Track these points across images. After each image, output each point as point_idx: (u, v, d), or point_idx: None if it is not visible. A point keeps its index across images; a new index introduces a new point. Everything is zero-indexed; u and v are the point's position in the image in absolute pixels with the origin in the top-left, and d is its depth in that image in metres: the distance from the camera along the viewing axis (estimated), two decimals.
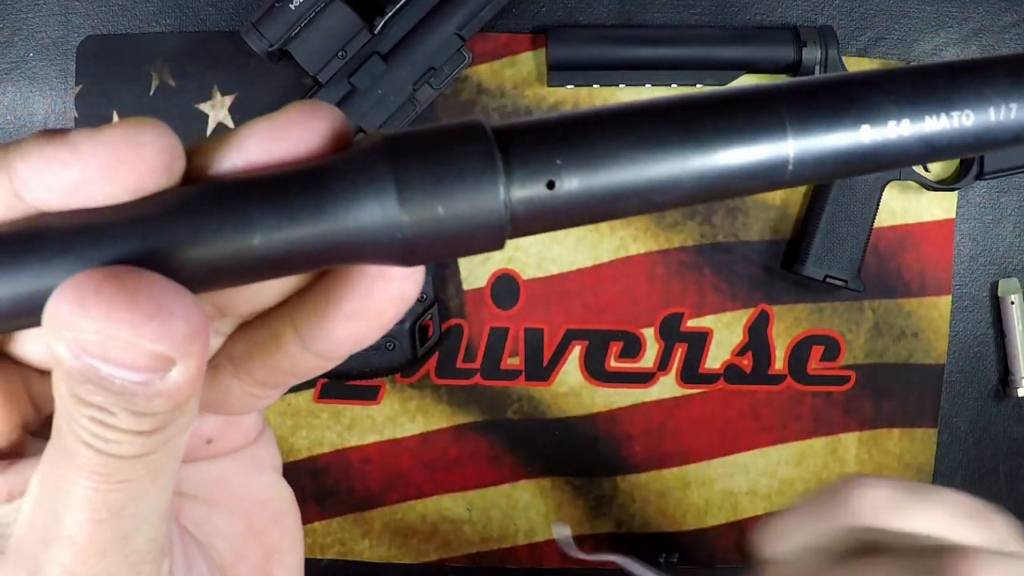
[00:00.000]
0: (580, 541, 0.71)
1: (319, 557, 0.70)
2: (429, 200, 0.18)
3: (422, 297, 0.65)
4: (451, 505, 0.70)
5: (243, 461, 0.28)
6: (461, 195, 0.18)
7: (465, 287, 0.68)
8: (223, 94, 0.66)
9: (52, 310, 0.17)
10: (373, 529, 0.70)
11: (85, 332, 0.17)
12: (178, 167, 0.18)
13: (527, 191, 0.19)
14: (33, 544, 0.20)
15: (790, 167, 0.20)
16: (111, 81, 0.65)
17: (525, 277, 0.67)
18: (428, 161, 0.18)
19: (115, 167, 0.18)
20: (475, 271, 0.67)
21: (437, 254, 0.19)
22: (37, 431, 0.22)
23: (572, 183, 0.19)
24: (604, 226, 0.67)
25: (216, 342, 0.23)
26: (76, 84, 0.65)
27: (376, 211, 0.18)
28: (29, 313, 0.17)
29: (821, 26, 0.65)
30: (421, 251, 0.19)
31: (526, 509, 0.70)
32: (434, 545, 0.70)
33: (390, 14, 0.60)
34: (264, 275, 0.19)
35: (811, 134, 0.19)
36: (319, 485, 0.69)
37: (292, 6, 0.58)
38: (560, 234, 0.67)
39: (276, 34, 0.58)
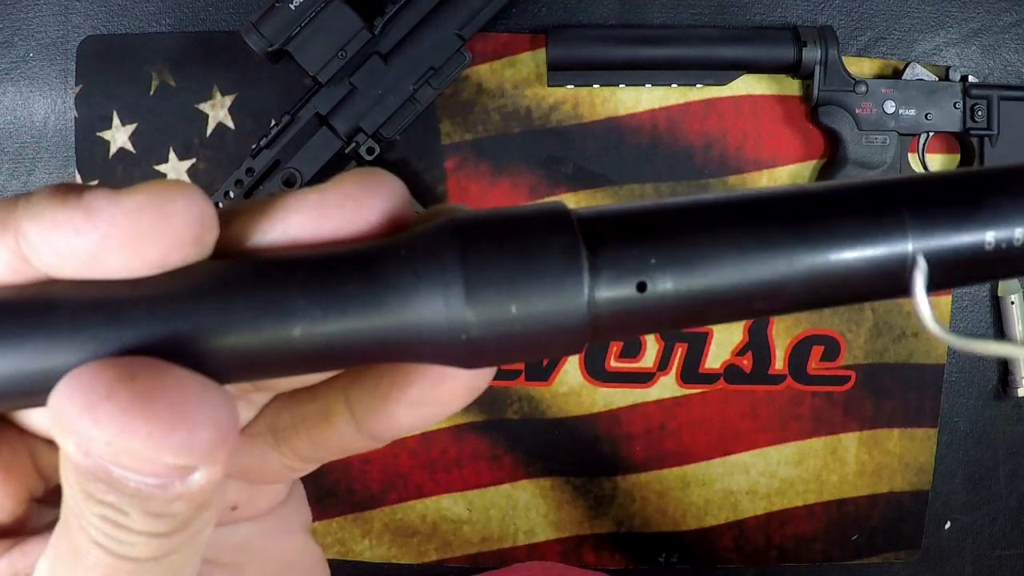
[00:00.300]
0: (580, 541, 0.71)
1: None
2: (502, 299, 0.16)
3: None
4: (451, 505, 0.70)
5: (270, 523, 0.25)
6: (538, 295, 0.16)
7: None
8: (223, 94, 0.66)
9: (57, 408, 0.15)
10: (373, 529, 0.70)
11: (94, 442, 0.14)
12: (210, 238, 0.16)
13: (614, 293, 0.16)
14: None
15: (908, 271, 0.17)
16: (111, 81, 0.65)
17: None
18: (503, 253, 0.16)
19: (138, 238, 0.15)
20: None
21: (505, 357, 0.17)
22: (45, 498, 0.20)
23: (666, 285, 0.16)
24: None
25: (250, 413, 0.21)
26: (76, 84, 0.65)
27: (440, 308, 0.16)
28: (33, 393, 0.15)
29: (821, 26, 0.65)
30: (488, 354, 0.16)
31: (526, 509, 0.70)
32: (434, 545, 0.70)
33: (390, 14, 0.60)
34: (306, 369, 0.17)
35: (933, 236, 0.17)
36: (319, 485, 0.69)
37: (292, 6, 0.58)
38: None
39: (276, 34, 0.58)
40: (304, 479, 0.29)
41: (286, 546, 0.25)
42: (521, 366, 0.68)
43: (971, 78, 0.65)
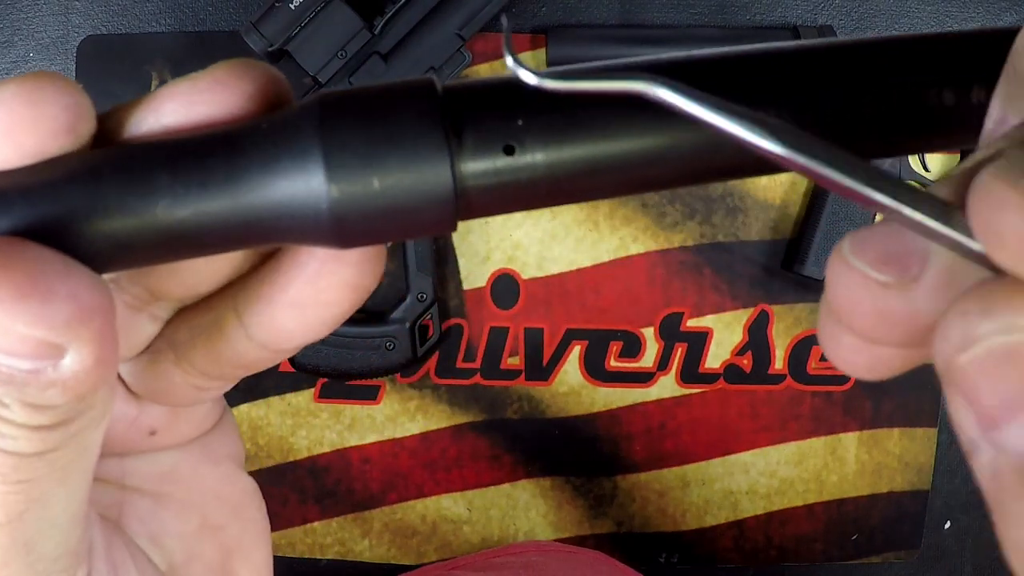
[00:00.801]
0: (580, 541, 0.71)
1: (319, 557, 0.70)
2: (363, 170, 0.15)
3: (421, 297, 0.65)
4: (451, 505, 0.70)
5: (195, 452, 0.25)
6: (400, 166, 0.15)
7: (465, 287, 0.68)
8: None
9: None
10: (373, 529, 0.70)
11: None
12: (85, 128, 0.16)
13: (481, 158, 0.16)
14: None
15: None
16: (111, 81, 0.65)
17: (525, 277, 0.67)
18: (364, 125, 0.16)
19: (10, 126, 0.16)
20: (475, 271, 0.68)
21: (376, 235, 0.16)
22: None
23: (536, 149, 0.16)
24: (604, 226, 0.67)
25: (152, 328, 0.21)
26: None
27: (299, 182, 0.16)
28: None
29: (821, 26, 0.65)
30: (356, 231, 0.16)
31: (526, 509, 0.70)
32: (434, 545, 0.70)
33: (390, 14, 0.60)
34: (179, 253, 0.17)
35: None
36: (319, 485, 0.69)
37: (292, 6, 0.58)
38: (560, 234, 0.67)
39: (276, 34, 0.58)
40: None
41: (214, 477, 0.25)
42: (521, 366, 0.68)
43: None
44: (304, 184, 0.16)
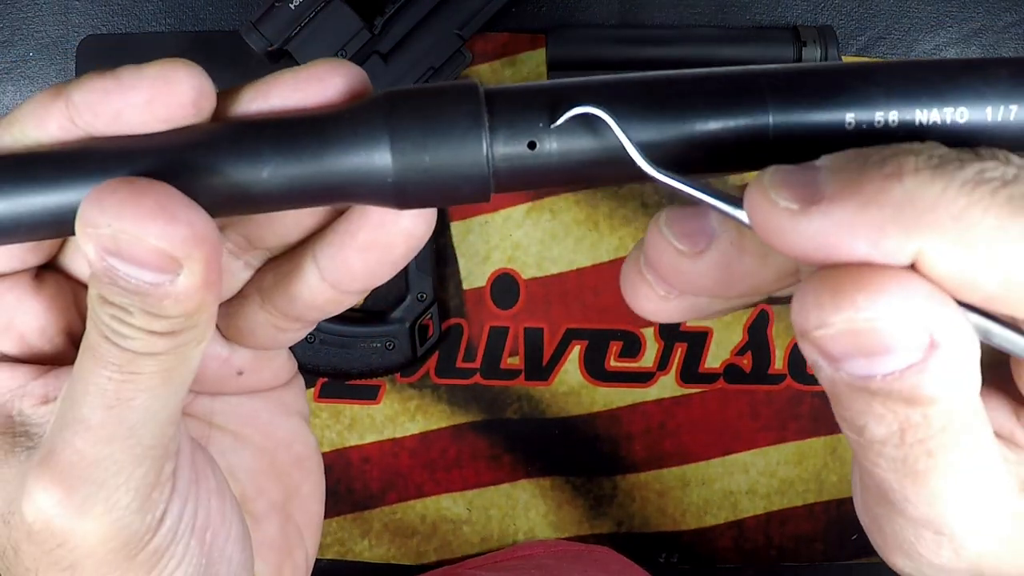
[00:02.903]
0: (580, 541, 0.71)
1: (318, 557, 0.70)
2: (417, 151, 0.20)
3: (421, 297, 0.65)
4: (451, 505, 0.70)
5: (272, 402, 0.30)
6: (446, 148, 0.20)
7: (465, 286, 0.68)
8: None
9: (80, 211, 0.20)
10: (372, 529, 0.70)
11: (100, 227, 0.19)
12: (207, 105, 0.21)
13: (509, 149, 0.21)
14: (53, 431, 0.22)
15: (770, 136, 0.20)
16: None
17: (525, 277, 0.67)
18: (421, 116, 0.20)
19: (151, 99, 0.20)
20: (475, 271, 0.68)
21: (427, 199, 0.21)
22: (78, 342, 0.24)
23: (552, 146, 0.21)
24: (604, 226, 0.67)
25: (245, 274, 0.26)
26: None
27: (370, 157, 0.20)
28: (73, 221, 0.20)
29: (821, 26, 0.65)
30: (411, 195, 0.21)
31: (526, 509, 0.70)
32: (434, 545, 0.70)
33: (390, 14, 0.60)
34: (273, 206, 0.21)
35: (792, 112, 0.20)
36: None
37: (292, 5, 0.58)
38: (560, 234, 0.67)
39: (276, 34, 0.58)
40: None
41: (285, 427, 0.30)
42: (521, 366, 0.68)
43: None
44: (373, 160, 0.20)
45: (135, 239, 0.19)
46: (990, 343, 0.19)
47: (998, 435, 0.21)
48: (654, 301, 0.22)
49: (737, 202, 0.19)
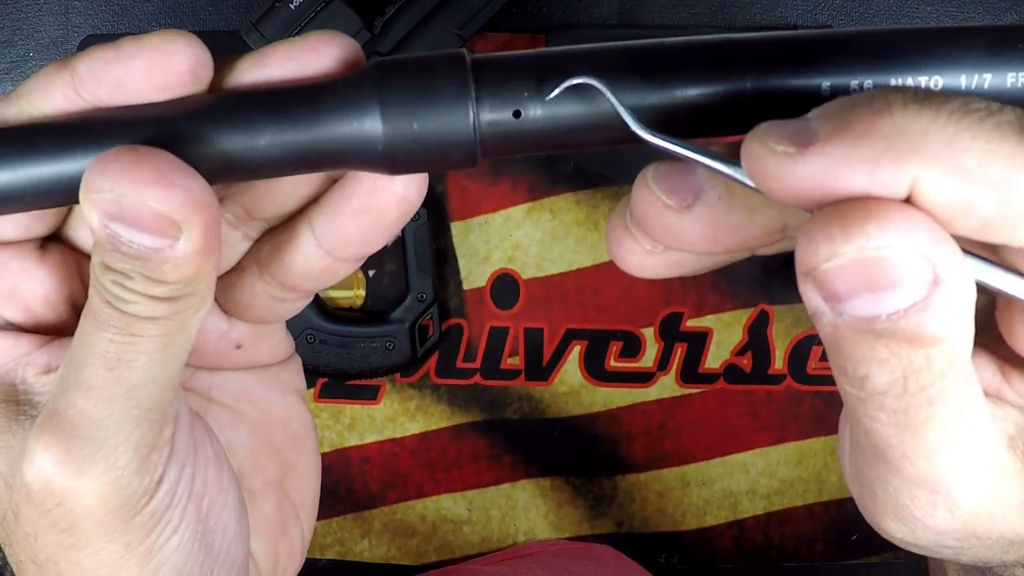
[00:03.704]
0: (580, 541, 0.71)
1: (318, 557, 0.70)
2: (406, 118, 0.21)
3: (421, 297, 0.65)
4: (451, 505, 0.70)
5: (269, 379, 0.30)
6: (434, 115, 0.21)
7: (465, 286, 0.68)
8: None
9: (84, 177, 0.20)
10: (372, 529, 0.70)
11: (103, 192, 0.20)
12: (205, 74, 0.22)
13: (495, 116, 0.21)
14: (55, 394, 0.22)
15: (749, 100, 0.21)
16: None
17: (525, 277, 0.67)
18: (410, 85, 0.21)
19: (149, 68, 0.21)
20: (475, 271, 0.67)
21: (417, 165, 0.22)
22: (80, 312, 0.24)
23: (537, 112, 0.21)
24: (604, 226, 0.67)
25: (243, 245, 0.27)
26: None
27: (361, 125, 0.21)
28: (77, 189, 0.21)
29: (821, 26, 0.65)
30: (401, 161, 0.21)
31: (526, 509, 0.70)
32: (434, 545, 0.70)
33: (390, 14, 0.60)
34: (270, 173, 0.22)
35: (770, 79, 0.21)
36: (320, 484, 0.69)
37: (292, 6, 0.58)
38: (560, 234, 0.67)
39: (276, 34, 0.58)
40: None
41: (282, 404, 0.31)
42: (521, 366, 0.68)
43: None
44: (365, 127, 0.21)
45: (136, 203, 0.20)
46: (986, 286, 0.19)
47: (985, 392, 0.21)
48: (639, 255, 0.22)
49: (729, 160, 0.20)
